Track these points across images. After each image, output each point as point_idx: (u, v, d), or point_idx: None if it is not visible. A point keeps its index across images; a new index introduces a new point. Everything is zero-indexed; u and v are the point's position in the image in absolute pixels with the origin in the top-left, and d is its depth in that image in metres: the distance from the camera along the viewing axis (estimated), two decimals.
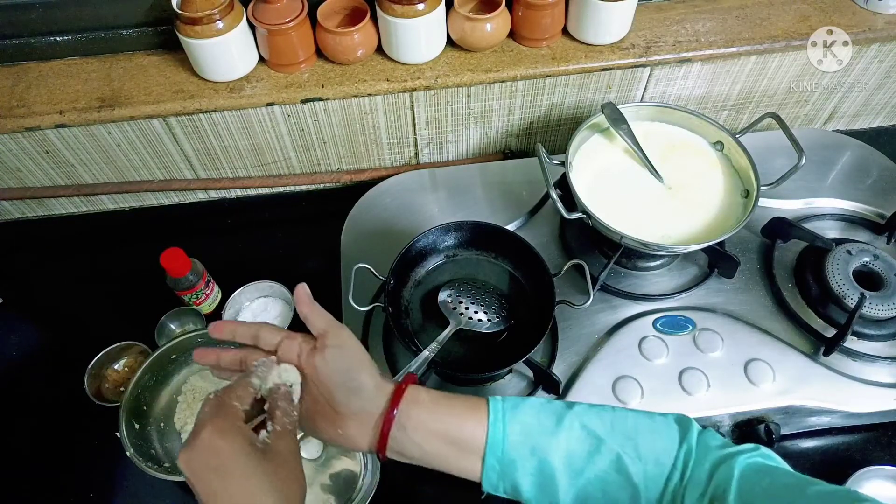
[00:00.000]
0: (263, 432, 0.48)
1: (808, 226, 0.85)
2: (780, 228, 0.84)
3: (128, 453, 0.71)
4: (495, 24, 0.86)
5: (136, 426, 0.74)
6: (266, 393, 0.50)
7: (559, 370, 0.75)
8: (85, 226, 1.03)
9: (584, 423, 0.53)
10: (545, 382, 0.74)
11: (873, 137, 1.06)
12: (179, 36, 0.81)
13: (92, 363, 0.80)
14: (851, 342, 0.76)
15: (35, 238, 1.02)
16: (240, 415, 0.47)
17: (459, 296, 0.73)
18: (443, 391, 0.55)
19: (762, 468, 0.49)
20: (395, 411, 0.51)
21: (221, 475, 0.44)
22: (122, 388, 0.80)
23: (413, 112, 0.93)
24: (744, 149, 0.79)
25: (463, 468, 0.53)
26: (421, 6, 0.81)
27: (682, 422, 0.54)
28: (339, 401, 0.51)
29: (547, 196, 0.86)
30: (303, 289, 0.54)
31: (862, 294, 0.75)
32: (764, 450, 0.51)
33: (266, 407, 0.50)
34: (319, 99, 0.87)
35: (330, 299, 0.81)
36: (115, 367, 0.83)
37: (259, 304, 0.90)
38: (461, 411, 0.53)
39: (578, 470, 0.52)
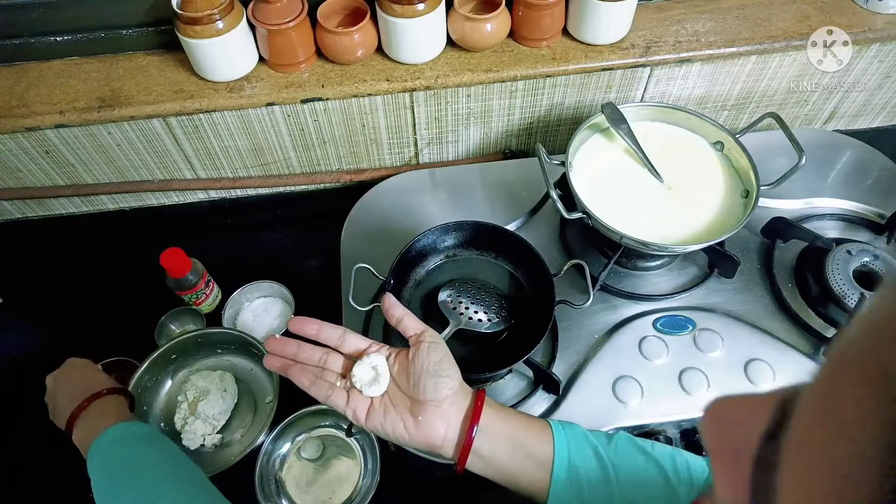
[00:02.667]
0: None
1: (808, 226, 0.85)
2: (780, 228, 0.84)
3: None
4: (495, 24, 0.86)
5: None
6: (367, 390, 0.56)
7: (559, 370, 0.75)
8: (85, 226, 1.03)
9: (631, 439, 0.57)
10: (545, 382, 0.74)
11: (873, 137, 1.06)
12: (179, 36, 0.81)
13: None
14: None
15: (35, 238, 1.02)
16: None
17: (459, 296, 0.73)
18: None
19: None
20: (474, 430, 0.53)
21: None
22: None
23: (413, 112, 0.93)
24: (744, 149, 0.79)
25: (533, 480, 0.54)
26: (421, 6, 0.81)
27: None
28: (426, 387, 0.54)
29: (547, 196, 0.86)
30: (390, 297, 0.60)
31: (862, 294, 0.75)
32: None
33: None
34: (319, 99, 0.87)
35: (330, 299, 0.81)
36: None
37: (259, 304, 0.90)
38: (529, 424, 0.57)
39: (631, 479, 0.54)
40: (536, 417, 0.58)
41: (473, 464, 0.54)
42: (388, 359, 0.57)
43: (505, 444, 0.54)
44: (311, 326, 0.58)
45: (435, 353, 0.56)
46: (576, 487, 0.53)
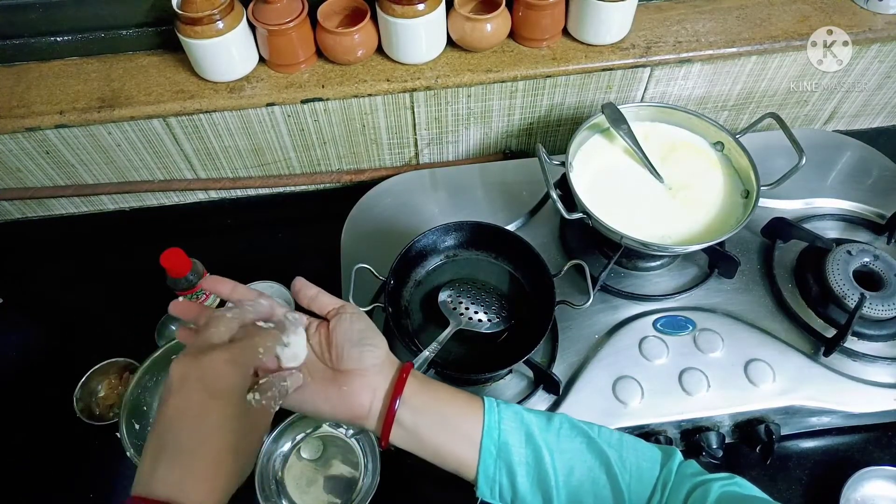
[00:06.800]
0: (251, 395, 0.47)
1: (808, 226, 0.85)
2: (780, 228, 0.84)
3: (128, 453, 0.71)
4: (495, 25, 0.86)
5: (136, 426, 0.74)
6: (285, 361, 0.51)
7: (559, 370, 0.75)
8: (85, 226, 1.03)
9: (573, 423, 0.55)
10: (545, 382, 0.74)
11: (873, 137, 1.06)
12: (179, 36, 0.81)
13: (77, 390, 0.79)
14: (851, 342, 0.76)
15: (35, 238, 1.02)
16: (258, 361, 0.48)
17: (459, 296, 0.73)
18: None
19: (737, 497, 0.50)
20: (397, 401, 0.52)
21: (209, 397, 0.43)
22: (112, 405, 0.80)
23: (413, 112, 0.93)
24: (744, 149, 0.79)
25: (458, 455, 0.52)
26: (421, 6, 0.81)
27: (667, 449, 0.55)
28: (350, 356, 0.51)
29: (547, 196, 0.86)
30: (300, 279, 0.56)
31: (862, 294, 0.75)
32: (738, 479, 0.52)
33: (264, 378, 0.49)
34: (319, 99, 0.87)
35: None
36: (100, 393, 0.82)
37: None
38: (458, 398, 0.55)
39: (570, 466, 0.52)
40: (469, 393, 0.56)
41: (397, 437, 0.52)
42: (307, 330, 0.54)
43: (429, 416, 0.52)
44: (225, 286, 0.54)
45: (358, 322, 0.53)
46: (507, 468, 0.52)
